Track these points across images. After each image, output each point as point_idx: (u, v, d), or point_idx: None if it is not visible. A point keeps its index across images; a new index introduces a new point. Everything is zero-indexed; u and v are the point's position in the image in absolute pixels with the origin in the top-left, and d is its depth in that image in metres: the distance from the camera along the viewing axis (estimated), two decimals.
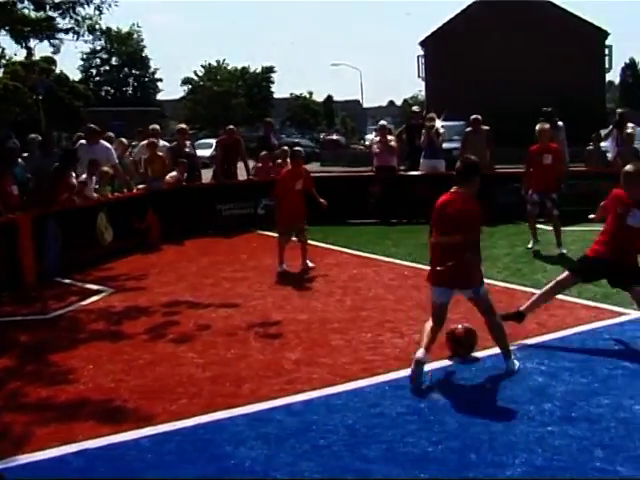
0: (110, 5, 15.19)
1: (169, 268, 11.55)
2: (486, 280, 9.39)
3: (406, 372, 6.23)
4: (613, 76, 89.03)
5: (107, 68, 76.81)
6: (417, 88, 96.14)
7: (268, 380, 6.30)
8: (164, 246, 13.32)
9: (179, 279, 10.69)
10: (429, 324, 6.49)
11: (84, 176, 12.62)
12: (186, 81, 78.37)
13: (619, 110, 18.15)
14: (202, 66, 78.23)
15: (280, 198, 11.22)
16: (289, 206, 11.06)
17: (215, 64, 78.68)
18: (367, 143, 44.16)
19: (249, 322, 8.17)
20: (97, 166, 12.86)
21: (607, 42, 49.71)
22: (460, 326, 6.96)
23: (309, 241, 11.53)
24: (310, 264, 11.13)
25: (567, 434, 5.10)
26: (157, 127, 15.75)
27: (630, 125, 16.33)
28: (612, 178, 14.92)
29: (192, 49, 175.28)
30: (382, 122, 17.20)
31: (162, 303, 9.22)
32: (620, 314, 8.01)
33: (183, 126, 16.92)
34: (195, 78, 78.05)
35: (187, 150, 15.80)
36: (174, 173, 14.72)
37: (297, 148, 12.67)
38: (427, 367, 6.21)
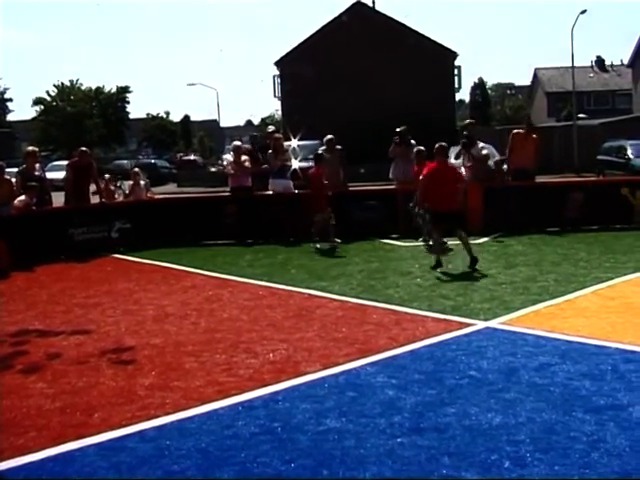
0: None
1: (18, 296, 11.16)
2: (339, 297, 9.74)
3: (259, 392, 6.28)
4: (464, 95, 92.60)
5: None
6: (274, 107, 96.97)
7: (120, 407, 6.18)
8: (13, 273, 12.85)
9: (29, 307, 10.34)
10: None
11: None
12: (38, 101, 76.05)
13: (465, 132, 18.85)
14: (55, 86, 76.18)
15: None
16: None
17: (68, 84, 76.79)
18: (225, 163, 44.03)
19: (102, 349, 7.99)
20: None
21: (456, 63, 51.66)
22: None
23: (167, 264, 11.69)
24: None
25: (416, 444, 5.23)
26: None
27: (481, 145, 17.10)
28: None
29: (45, 68, 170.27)
30: (236, 142, 17.25)
31: (10, 333, 8.88)
32: (468, 325, 8.32)
33: (32, 149, 16.45)
34: (48, 98, 75.86)
35: (37, 173, 15.38)
36: (23, 197, 14.28)
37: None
38: (279, 388, 6.29)
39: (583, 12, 45.61)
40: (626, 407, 5.76)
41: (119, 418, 5.94)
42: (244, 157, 16.20)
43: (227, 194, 16.78)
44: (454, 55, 51.03)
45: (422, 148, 13.46)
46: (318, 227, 14.44)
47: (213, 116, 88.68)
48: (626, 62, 66.13)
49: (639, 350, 7.22)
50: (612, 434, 5.26)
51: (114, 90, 79.80)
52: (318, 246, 14.23)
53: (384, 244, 14.61)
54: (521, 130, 17.33)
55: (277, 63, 51.31)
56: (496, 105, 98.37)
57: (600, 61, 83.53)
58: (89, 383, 6.86)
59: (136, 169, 17.09)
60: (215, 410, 6.04)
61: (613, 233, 15.27)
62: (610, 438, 5.19)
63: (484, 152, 16.80)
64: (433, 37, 50.99)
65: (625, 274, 10.94)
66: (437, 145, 12.17)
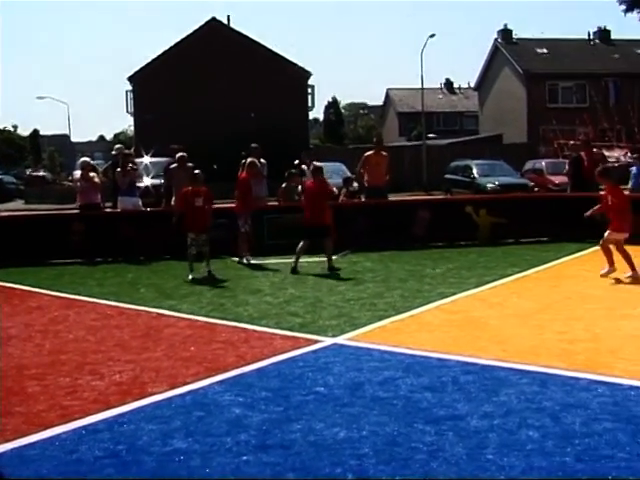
0: None
1: None
2: (189, 316, 9.69)
3: (104, 415, 6.18)
4: (318, 113, 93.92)
5: None
6: (127, 123, 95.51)
7: None
8: None
9: None
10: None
11: None
12: None
13: (304, 152, 19.27)
14: None
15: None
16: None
17: None
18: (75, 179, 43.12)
19: None
20: None
21: (310, 82, 52.42)
22: None
23: (11, 284, 11.83)
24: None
25: (261, 461, 5.25)
26: None
27: (318, 164, 17.65)
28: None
29: None
30: (84, 159, 16.90)
31: None
32: (315, 342, 8.42)
33: None
34: None
35: None
36: None
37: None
38: (124, 409, 6.20)
39: (432, 36, 47.36)
40: (464, 417, 5.98)
41: None
42: (92, 173, 15.90)
43: (75, 211, 16.40)
44: (308, 74, 51.77)
45: (319, 164, 14.06)
46: (243, 240, 14.44)
47: (64, 131, 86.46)
48: (473, 85, 68.86)
49: (478, 362, 7.51)
50: (451, 443, 5.45)
51: None
52: (252, 261, 14.26)
53: (235, 262, 14.63)
54: (372, 151, 17.78)
55: (130, 78, 50.60)
56: (349, 124, 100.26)
57: (449, 83, 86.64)
58: None
59: None
60: (58, 435, 5.87)
61: (458, 249, 15.87)
62: (449, 447, 5.38)
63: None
64: (287, 56, 51.64)
65: (468, 289, 11.38)
66: (312, 166, 14.17)
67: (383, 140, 20.49)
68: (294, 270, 13.02)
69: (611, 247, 11.93)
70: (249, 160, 14.85)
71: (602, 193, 12.54)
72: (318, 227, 13.24)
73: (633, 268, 11.61)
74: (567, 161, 22.38)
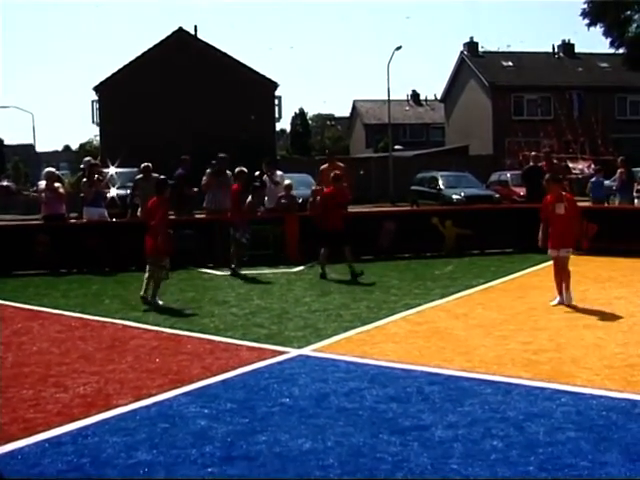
0: None
1: None
2: (154, 327, 9.65)
3: (68, 427, 6.13)
4: (285, 124, 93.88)
5: None
6: (93, 133, 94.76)
7: None
8: None
9: None
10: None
11: None
12: None
13: (265, 162, 19.21)
14: None
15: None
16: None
17: None
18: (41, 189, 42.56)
19: None
20: None
21: (277, 93, 52.48)
22: None
23: None
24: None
25: (226, 473, 5.23)
26: None
27: (279, 173, 17.66)
28: (274, 222, 15.90)
29: None
30: (49, 169, 16.76)
31: None
32: (281, 353, 8.42)
33: None
34: None
35: None
36: None
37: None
38: (88, 422, 6.15)
39: (398, 48, 47.52)
40: (429, 427, 6.01)
41: None
42: (57, 184, 15.79)
43: (39, 222, 16.27)
44: (275, 85, 51.85)
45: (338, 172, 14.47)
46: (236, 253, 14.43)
47: (29, 140, 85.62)
48: (439, 97, 69.34)
49: (443, 372, 7.56)
50: (416, 453, 5.48)
51: None
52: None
53: (201, 273, 14.59)
54: (326, 164, 17.75)
55: (96, 88, 50.32)
56: (316, 135, 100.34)
57: (415, 95, 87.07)
58: None
59: None
60: (20, 448, 5.80)
61: (424, 261, 15.93)
62: (414, 457, 5.40)
63: (287, 182, 17.25)
64: (254, 67, 51.70)
65: (433, 300, 11.43)
66: (333, 173, 14.43)
67: (333, 153, 20.49)
68: (323, 275, 13.62)
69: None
70: (237, 169, 14.78)
71: (547, 201, 11.28)
72: (337, 233, 13.72)
73: (565, 291, 11.09)
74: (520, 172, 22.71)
